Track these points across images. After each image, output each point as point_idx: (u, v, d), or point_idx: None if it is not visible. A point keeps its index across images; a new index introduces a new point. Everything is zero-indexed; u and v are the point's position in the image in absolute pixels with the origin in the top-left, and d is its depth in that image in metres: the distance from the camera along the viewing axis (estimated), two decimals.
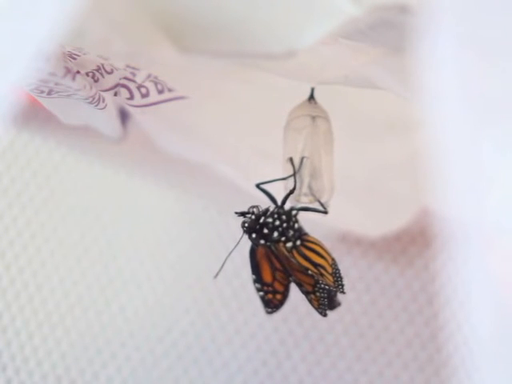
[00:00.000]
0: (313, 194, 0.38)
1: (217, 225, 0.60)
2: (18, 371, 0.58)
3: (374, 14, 0.27)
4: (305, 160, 0.38)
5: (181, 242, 0.60)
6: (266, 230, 0.38)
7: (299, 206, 0.39)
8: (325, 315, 0.40)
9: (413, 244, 0.59)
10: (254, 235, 0.39)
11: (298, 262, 0.38)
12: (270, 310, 0.40)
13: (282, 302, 0.40)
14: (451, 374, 0.51)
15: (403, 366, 0.57)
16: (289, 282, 0.40)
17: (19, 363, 0.58)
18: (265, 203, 0.39)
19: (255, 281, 0.40)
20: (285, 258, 0.39)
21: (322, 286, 0.39)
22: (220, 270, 0.40)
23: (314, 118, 0.38)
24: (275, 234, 0.38)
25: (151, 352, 0.58)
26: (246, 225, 0.39)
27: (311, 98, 0.39)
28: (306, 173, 0.38)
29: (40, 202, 0.61)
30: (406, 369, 0.57)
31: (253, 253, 0.39)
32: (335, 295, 0.40)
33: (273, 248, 0.39)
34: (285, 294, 0.40)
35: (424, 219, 0.55)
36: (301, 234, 0.39)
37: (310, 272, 0.38)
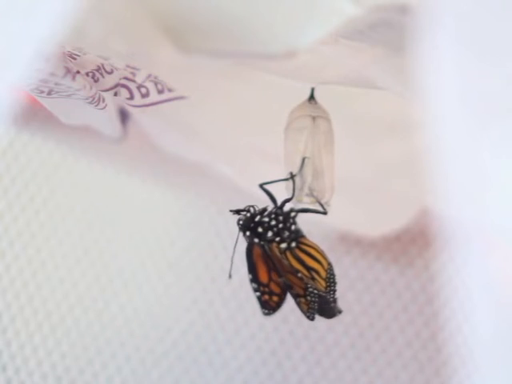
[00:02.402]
0: (313, 195, 0.38)
1: (216, 225, 0.60)
2: (17, 371, 0.58)
3: (373, 14, 0.27)
4: (306, 160, 0.38)
5: (181, 241, 0.60)
6: (260, 229, 0.38)
7: (299, 207, 0.38)
8: (312, 319, 0.39)
9: (413, 244, 0.59)
10: (247, 233, 0.38)
11: (290, 264, 0.38)
12: (266, 311, 0.40)
13: (278, 305, 0.40)
14: (451, 374, 0.51)
15: (403, 366, 0.57)
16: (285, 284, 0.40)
17: (19, 363, 0.58)
18: (264, 203, 0.39)
19: (251, 280, 0.39)
20: (277, 258, 0.38)
21: (313, 290, 0.39)
22: (231, 270, 0.40)
23: (314, 118, 0.38)
24: (269, 234, 0.38)
25: (151, 352, 0.58)
26: (241, 222, 0.38)
27: (311, 98, 0.39)
28: (307, 173, 0.38)
29: (40, 202, 0.61)
30: (405, 369, 0.57)
31: (249, 252, 0.39)
32: (334, 302, 0.39)
33: (266, 248, 0.38)
34: (281, 297, 0.40)
35: (424, 219, 0.55)
36: (297, 236, 0.38)
37: (299, 275, 0.38)
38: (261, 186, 0.38)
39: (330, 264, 0.38)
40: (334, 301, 0.39)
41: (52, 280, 0.59)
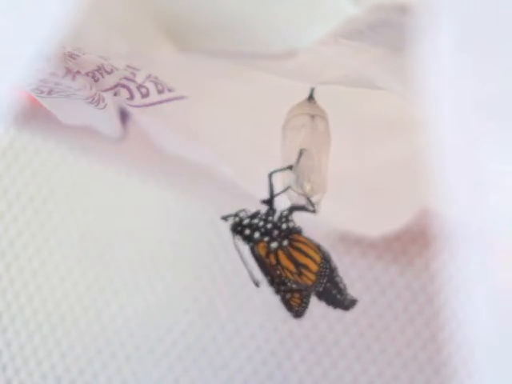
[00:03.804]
0: (305, 192, 0.38)
1: (216, 225, 0.60)
2: (17, 371, 0.58)
3: (373, 14, 0.27)
4: (305, 152, 0.38)
5: (181, 241, 0.60)
6: (247, 231, 0.38)
7: (294, 199, 0.38)
8: (299, 315, 0.39)
9: (413, 244, 0.59)
10: (238, 237, 0.38)
11: (277, 262, 0.38)
12: (293, 313, 0.39)
13: (303, 301, 0.39)
14: (451, 374, 0.51)
15: (403, 366, 0.57)
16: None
17: (19, 363, 0.58)
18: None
19: (269, 282, 0.39)
20: (262, 259, 0.38)
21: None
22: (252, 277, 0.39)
23: (313, 116, 0.38)
24: (256, 235, 0.38)
25: (151, 352, 0.58)
26: (230, 227, 0.39)
27: (311, 97, 0.39)
28: (303, 166, 0.38)
29: (40, 202, 0.61)
30: (405, 369, 0.57)
31: (255, 254, 0.39)
32: (340, 294, 0.39)
33: (255, 249, 0.38)
34: (302, 293, 0.39)
35: (424, 219, 0.55)
36: (290, 234, 0.38)
37: (278, 272, 0.38)
38: (270, 175, 0.38)
39: (323, 259, 0.38)
40: (340, 293, 0.39)
41: (52, 280, 0.59)
